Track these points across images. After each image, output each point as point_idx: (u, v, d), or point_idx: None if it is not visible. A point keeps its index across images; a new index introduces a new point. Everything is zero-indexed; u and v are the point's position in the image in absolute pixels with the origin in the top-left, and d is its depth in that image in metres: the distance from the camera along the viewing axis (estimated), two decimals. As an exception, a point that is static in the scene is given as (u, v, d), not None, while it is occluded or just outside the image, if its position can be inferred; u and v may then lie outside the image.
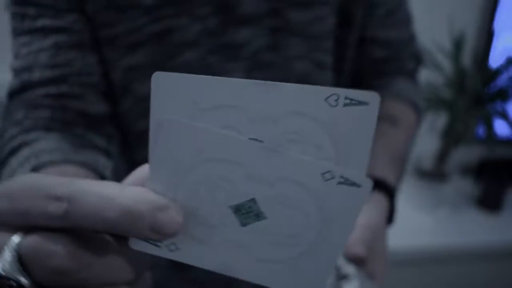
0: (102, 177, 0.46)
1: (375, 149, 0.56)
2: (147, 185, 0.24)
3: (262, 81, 0.22)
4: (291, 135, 0.23)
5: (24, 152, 0.45)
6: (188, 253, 0.25)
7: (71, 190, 0.21)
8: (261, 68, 0.56)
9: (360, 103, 0.22)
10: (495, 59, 1.68)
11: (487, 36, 1.72)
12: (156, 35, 0.52)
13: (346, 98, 0.22)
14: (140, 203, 0.21)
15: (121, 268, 0.23)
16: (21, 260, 0.21)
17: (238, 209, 0.24)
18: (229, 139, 0.22)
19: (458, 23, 1.71)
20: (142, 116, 0.56)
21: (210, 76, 0.22)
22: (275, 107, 0.22)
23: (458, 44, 1.62)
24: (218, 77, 0.22)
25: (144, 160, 0.24)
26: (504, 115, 1.61)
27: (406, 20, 0.67)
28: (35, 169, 0.41)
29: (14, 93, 0.51)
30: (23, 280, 0.21)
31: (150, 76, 0.54)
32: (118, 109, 0.56)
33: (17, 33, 0.52)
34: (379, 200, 0.52)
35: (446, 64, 1.71)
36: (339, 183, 0.23)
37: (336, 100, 0.22)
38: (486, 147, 1.63)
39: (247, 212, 0.24)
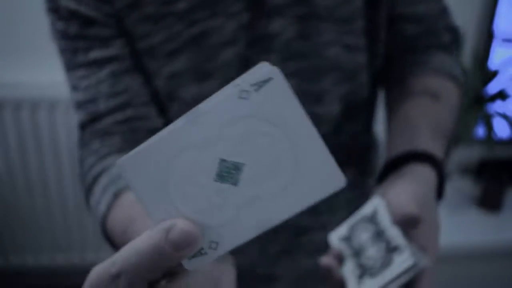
0: None
1: (417, 124, 0.55)
2: (151, 220, 0.26)
3: (185, 117, 0.25)
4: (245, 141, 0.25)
5: (104, 180, 0.50)
6: (228, 239, 0.26)
7: (120, 265, 0.25)
8: (294, 58, 0.56)
9: (264, 81, 0.24)
10: (495, 59, 1.68)
11: (487, 36, 1.72)
12: (193, 40, 0.53)
13: (251, 85, 0.24)
14: (153, 238, 0.25)
15: None
16: None
17: (221, 176, 0.25)
18: (164, 139, 0.25)
19: (458, 23, 1.71)
20: None
21: (153, 139, 0.25)
22: (208, 131, 0.25)
23: (458, 44, 1.62)
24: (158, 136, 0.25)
25: None
26: (504, 115, 1.61)
27: None
28: (116, 195, 0.47)
29: (84, 125, 0.56)
30: None
31: (193, 80, 0.55)
32: (166, 118, 0.58)
33: (71, 67, 0.55)
34: (424, 172, 0.49)
35: (446, 64, 1.71)
36: (256, 90, 0.24)
37: (247, 92, 0.24)
38: (486, 147, 1.63)
39: (228, 172, 0.25)
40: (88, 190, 0.53)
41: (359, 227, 0.48)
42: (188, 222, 0.25)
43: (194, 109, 0.25)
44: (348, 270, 0.47)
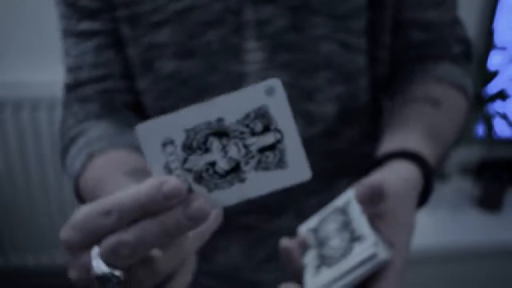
0: None
1: (411, 127, 0.53)
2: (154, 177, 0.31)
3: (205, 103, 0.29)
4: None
5: (80, 141, 0.54)
6: (215, 202, 0.31)
7: (114, 202, 0.29)
8: (284, 49, 0.55)
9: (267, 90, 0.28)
10: (495, 59, 1.68)
11: (487, 36, 1.72)
12: (178, 14, 0.54)
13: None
14: (149, 186, 0.29)
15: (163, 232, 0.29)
16: (107, 263, 0.30)
17: (208, 150, 0.30)
18: (178, 116, 0.29)
19: (458, 23, 1.71)
20: (163, 95, 0.57)
21: (173, 113, 0.29)
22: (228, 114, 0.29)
23: (458, 44, 1.62)
24: (178, 112, 0.29)
25: None
26: (504, 115, 1.61)
27: (446, 1, 0.61)
28: (90, 155, 0.50)
29: (69, 88, 0.60)
30: (117, 272, 0.30)
31: (174, 54, 0.56)
32: (136, 87, 0.59)
33: (66, 33, 0.59)
34: (407, 169, 0.46)
35: (446, 64, 1.71)
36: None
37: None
38: (486, 147, 1.63)
39: (217, 148, 0.30)
40: (64, 150, 0.57)
41: (329, 218, 0.46)
42: (179, 181, 0.29)
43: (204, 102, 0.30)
44: (308, 260, 0.44)
